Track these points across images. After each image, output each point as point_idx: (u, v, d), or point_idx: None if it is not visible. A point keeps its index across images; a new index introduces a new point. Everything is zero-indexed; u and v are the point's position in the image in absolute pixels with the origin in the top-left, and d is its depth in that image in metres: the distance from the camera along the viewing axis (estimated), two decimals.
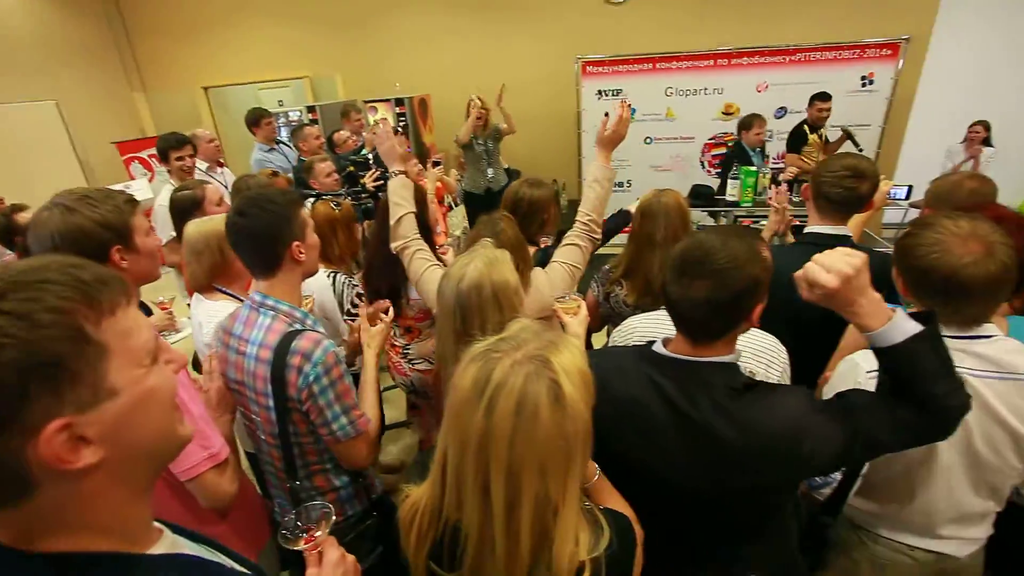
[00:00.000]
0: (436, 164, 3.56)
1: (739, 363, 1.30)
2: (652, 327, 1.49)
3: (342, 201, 2.19)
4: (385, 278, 2.00)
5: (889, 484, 1.21)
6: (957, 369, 1.06)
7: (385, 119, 2.05)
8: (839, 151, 4.15)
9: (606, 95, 5.38)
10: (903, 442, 0.97)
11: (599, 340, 2.12)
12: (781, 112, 5.16)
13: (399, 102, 5.73)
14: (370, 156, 3.17)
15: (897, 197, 3.38)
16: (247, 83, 6.79)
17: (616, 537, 0.77)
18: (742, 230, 1.09)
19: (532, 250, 1.97)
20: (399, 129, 4.82)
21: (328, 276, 2.03)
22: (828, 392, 1.24)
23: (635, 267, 1.87)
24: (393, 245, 1.78)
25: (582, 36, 5.59)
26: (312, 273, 1.40)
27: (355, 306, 2.02)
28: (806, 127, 4.45)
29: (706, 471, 0.98)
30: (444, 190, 4.10)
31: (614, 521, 0.80)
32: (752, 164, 4.00)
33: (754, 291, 0.96)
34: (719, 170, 5.24)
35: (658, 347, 1.06)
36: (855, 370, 1.17)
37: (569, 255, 1.72)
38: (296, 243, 1.25)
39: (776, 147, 5.18)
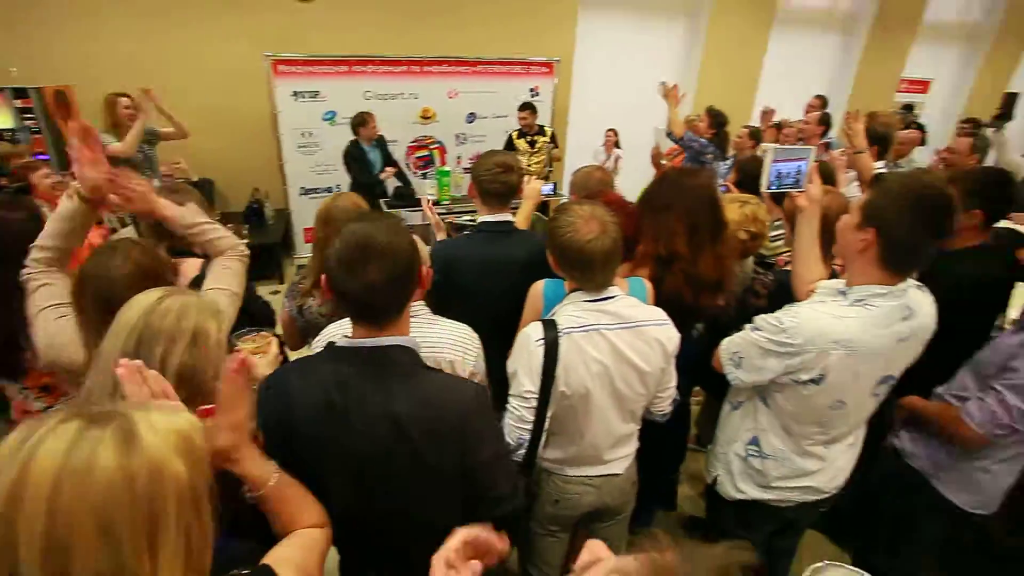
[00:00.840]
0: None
1: (437, 354, 1.38)
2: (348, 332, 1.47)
3: None
4: None
5: (566, 431, 1.44)
6: (596, 325, 1.32)
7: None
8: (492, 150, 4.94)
9: (303, 96, 5.09)
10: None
11: None
12: (471, 117, 5.70)
13: (19, 93, 4.37)
14: None
15: (546, 192, 4.22)
16: None
17: None
18: (370, 213, 1.15)
19: (197, 262, 1.74)
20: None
21: None
22: (510, 364, 1.41)
23: None
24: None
25: (272, 33, 5.15)
26: None
27: None
28: (514, 134, 5.10)
29: (392, 456, 1.01)
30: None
31: None
32: (368, 159, 4.38)
33: (415, 256, 1.04)
34: (424, 171, 5.56)
35: (341, 341, 1.05)
36: (527, 341, 1.34)
37: (221, 279, 1.47)
38: None
39: (473, 148, 5.75)
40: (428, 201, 2.40)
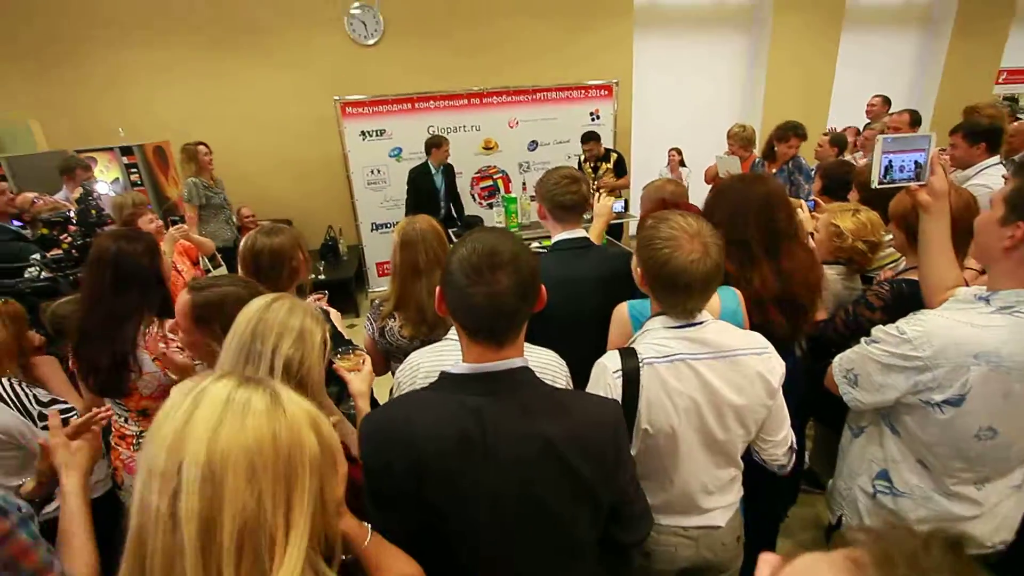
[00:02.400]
0: (175, 222, 3.02)
1: None
2: (437, 360, 1.41)
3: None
4: (105, 346, 1.59)
5: (653, 475, 1.28)
6: (681, 354, 1.18)
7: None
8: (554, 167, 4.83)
9: (370, 135, 5.33)
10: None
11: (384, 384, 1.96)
12: (533, 145, 5.74)
13: (126, 151, 4.84)
14: (71, 213, 2.56)
15: (617, 210, 4.06)
16: None
17: None
18: (485, 228, 1.12)
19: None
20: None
21: None
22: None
23: (405, 297, 1.82)
24: None
25: (338, 77, 5.48)
26: None
27: (44, 405, 1.55)
28: (581, 158, 5.04)
29: (541, 483, 0.93)
30: (197, 251, 3.51)
31: None
32: (434, 183, 4.38)
33: (538, 269, 0.98)
34: (491, 200, 5.62)
35: (456, 368, 0.98)
36: (604, 373, 1.21)
37: None
38: None
39: (536, 176, 5.76)
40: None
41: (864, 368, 1.28)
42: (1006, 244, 1.11)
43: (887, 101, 4.92)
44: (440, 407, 0.96)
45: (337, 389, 1.69)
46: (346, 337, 1.81)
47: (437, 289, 1.00)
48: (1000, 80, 7.34)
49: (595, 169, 5.00)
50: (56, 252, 2.30)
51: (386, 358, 1.95)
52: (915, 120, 3.91)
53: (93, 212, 2.81)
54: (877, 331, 1.26)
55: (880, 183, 1.41)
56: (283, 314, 1.08)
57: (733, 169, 3.98)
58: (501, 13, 5.66)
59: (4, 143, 5.17)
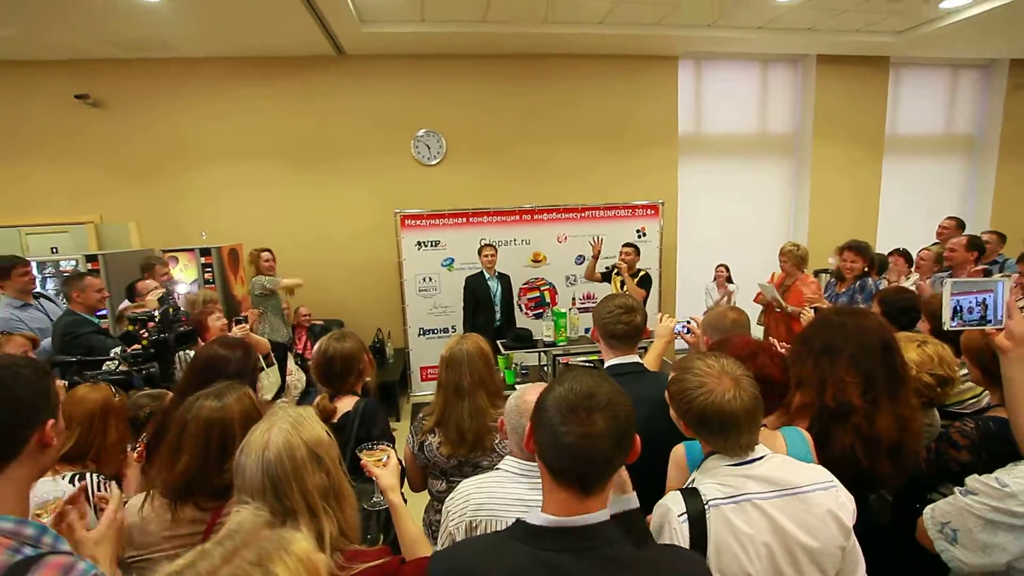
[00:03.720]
0: (239, 322, 3.21)
1: None
2: (488, 493, 1.36)
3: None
4: None
5: None
6: (746, 494, 1.12)
7: None
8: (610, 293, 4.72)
9: (425, 245, 5.65)
10: None
11: (419, 500, 1.92)
12: (580, 259, 5.92)
13: (205, 252, 5.30)
14: (156, 312, 2.76)
15: (678, 331, 3.89)
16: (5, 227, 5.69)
17: None
18: (582, 369, 1.11)
19: (352, 400, 1.85)
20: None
21: (72, 481, 1.51)
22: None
23: (447, 416, 1.81)
24: None
25: (399, 191, 5.95)
26: (48, 469, 1.07)
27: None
28: (614, 270, 4.95)
29: None
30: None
31: None
32: (489, 289, 4.49)
33: (634, 416, 0.95)
34: (537, 311, 5.71)
35: (535, 519, 0.92)
36: (668, 516, 1.14)
37: None
38: (51, 421, 0.95)
39: (583, 289, 5.91)
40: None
41: (963, 523, 1.16)
42: None
43: (961, 225, 4.76)
44: (510, 558, 0.89)
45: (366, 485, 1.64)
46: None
47: (527, 424, 0.97)
48: None
49: (622, 285, 4.81)
50: (136, 348, 2.45)
51: (424, 473, 1.92)
52: (973, 244, 3.86)
53: (171, 311, 3.03)
54: (973, 481, 1.17)
55: (951, 326, 1.38)
56: (286, 459, 0.98)
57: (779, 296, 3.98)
58: (553, 137, 6.15)
59: (106, 241, 5.78)
